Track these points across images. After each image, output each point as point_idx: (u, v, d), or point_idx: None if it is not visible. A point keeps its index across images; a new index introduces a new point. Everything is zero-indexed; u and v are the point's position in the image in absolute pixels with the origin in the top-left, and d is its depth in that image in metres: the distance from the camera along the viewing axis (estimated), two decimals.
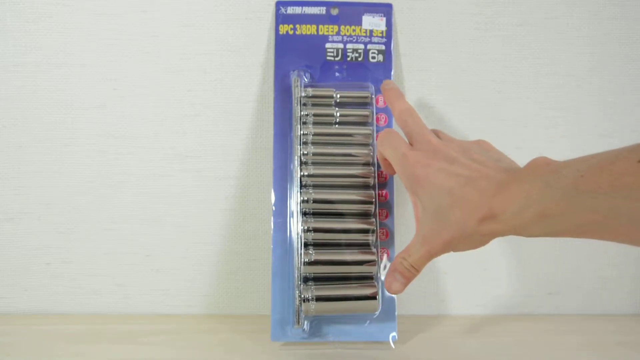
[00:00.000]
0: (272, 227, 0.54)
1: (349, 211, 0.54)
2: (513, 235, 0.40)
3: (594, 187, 0.33)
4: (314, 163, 0.54)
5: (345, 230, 0.54)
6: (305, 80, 0.57)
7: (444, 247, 0.42)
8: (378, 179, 0.55)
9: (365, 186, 0.55)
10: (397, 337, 0.54)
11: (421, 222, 0.44)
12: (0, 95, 0.59)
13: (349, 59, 0.57)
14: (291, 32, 0.57)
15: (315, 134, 0.55)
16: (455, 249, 0.43)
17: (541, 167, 0.38)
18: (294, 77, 0.56)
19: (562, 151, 0.62)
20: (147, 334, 0.56)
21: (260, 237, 0.61)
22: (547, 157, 0.39)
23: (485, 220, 0.39)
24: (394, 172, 0.49)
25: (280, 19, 0.57)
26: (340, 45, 0.57)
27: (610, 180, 0.32)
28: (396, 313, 0.54)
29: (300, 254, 0.53)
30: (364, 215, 0.54)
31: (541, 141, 0.62)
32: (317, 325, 0.53)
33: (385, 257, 0.55)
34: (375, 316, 0.54)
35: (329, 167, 0.55)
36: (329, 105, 0.56)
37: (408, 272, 0.45)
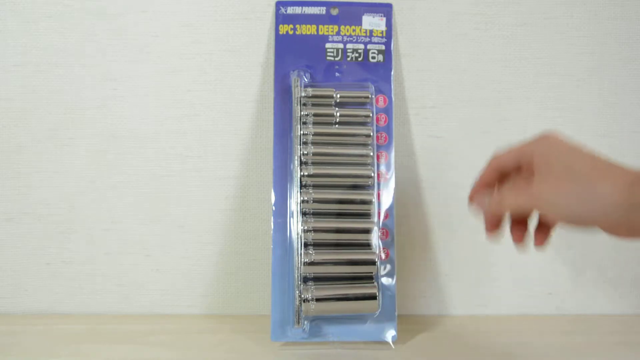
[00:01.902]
0: (272, 227, 0.54)
1: (349, 211, 0.54)
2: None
3: None
4: (314, 163, 0.54)
5: (345, 230, 0.54)
6: (305, 80, 0.57)
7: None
8: (378, 179, 0.55)
9: (365, 186, 0.55)
10: (397, 337, 0.54)
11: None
12: (0, 96, 0.59)
13: (349, 59, 0.57)
14: (291, 32, 0.57)
15: (315, 134, 0.55)
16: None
17: None
18: (294, 77, 0.56)
19: None
20: (147, 334, 0.56)
21: (260, 237, 0.61)
22: None
23: (632, 185, 0.36)
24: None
25: (280, 19, 0.57)
26: (340, 45, 0.57)
27: None
28: (396, 313, 0.54)
29: (300, 254, 0.53)
30: (364, 215, 0.54)
31: None
32: (317, 325, 0.53)
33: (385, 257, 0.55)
34: (375, 316, 0.54)
35: (329, 167, 0.55)
36: (329, 105, 0.56)
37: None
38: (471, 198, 0.46)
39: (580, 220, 0.39)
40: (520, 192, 0.41)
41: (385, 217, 0.56)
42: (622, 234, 0.38)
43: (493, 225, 0.44)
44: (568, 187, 0.39)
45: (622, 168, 0.38)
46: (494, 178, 0.45)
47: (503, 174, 0.45)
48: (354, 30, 0.57)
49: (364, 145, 0.55)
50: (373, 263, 0.53)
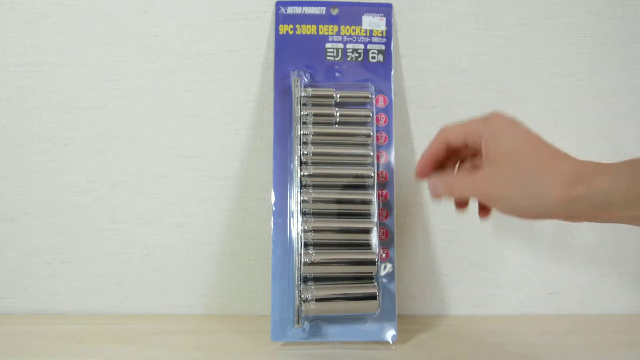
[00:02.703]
0: (272, 227, 0.54)
1: (349, 211, 0.54)
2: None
3: None
4: (314, 163, 0.54)
5: (345, 230, 0.54)
6: (305, 80, 0.57)
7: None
8: (378, 179, 0.55)
9: (365, 186, 0.55)
10: (397, 337, 0.54)
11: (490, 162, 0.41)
12: (0, 95, 0.59)
13: (349, 59, 0.57)
14: (291, 32, 0.57)
15: (315, 134, 0.55)
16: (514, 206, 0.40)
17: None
18: (294, 77, 0.56)
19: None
20: (147, 334, 0.56)
21: (260, 237, 0.61)
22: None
23: (574, 183, 0.37)
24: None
25: (280, 19, 0.57)
26: (340, 45, 0.57)
27: None
28: (396, 313, 0.54)
29: (300, 254, 0.53)
30: (364, 215, 0.54)
31: None
32: (317, 325, 0.53)
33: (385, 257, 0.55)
34: (375, 316, 0.54)
35: (329, 167, 0.55)
36: (329, 105, 0.56)
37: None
38: (418, 173, 0.47)
39: (524, 214, 0.40)
40: (468, 183, 0.42)
41: (385, 217, 0.56)
42: (562, 219, 0.40)
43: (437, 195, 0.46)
44: (513, 184, 0.40)
45: (568, 159, 0.40)
46: (441, 152, 0.46)
47: (450, 149, 0.46)
48: (354, 30, 0.57)
49: (364, 145, 0.55)
50: (373, 263, 0.53)
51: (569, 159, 0.40)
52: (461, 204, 0.48)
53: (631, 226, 0.65)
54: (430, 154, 0.46)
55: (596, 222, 0.39)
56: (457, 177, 0.44)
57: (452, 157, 0.47)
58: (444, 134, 0.45)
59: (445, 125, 0.45)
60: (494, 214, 0.62)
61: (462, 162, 0.48)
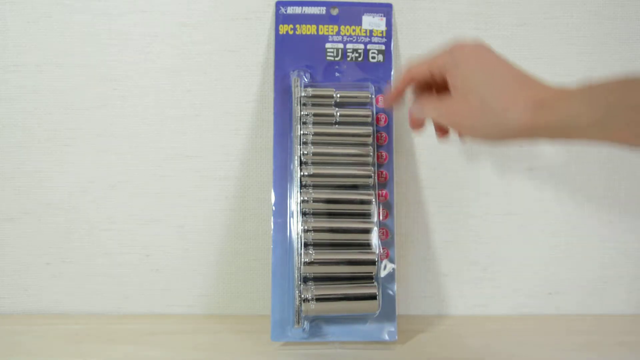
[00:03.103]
0: (272, 227, 0.54)
1: (349, 211, 0.54)
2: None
3: None
4: (314, 163, 0.54)
5: (345, 230, 0.54)
6: (305, 80, 0.57)
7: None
8: (378, 179, 0.55)
9: (365, 186, 0.55)
10: (397, 337, 0.54)
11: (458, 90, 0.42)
12: (0, 95, 0.59)
13: (349, 59, 0.57)
14: (291, 32, 0.57)
15: (315, 134, 0.55)
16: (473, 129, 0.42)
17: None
18: (294, 77, 0.56)
19: (561, 150, 0.62)
20: (147, 334, 0.56)
21: (260, 237, 0.61)
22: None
23: (538, 109, 0.38)
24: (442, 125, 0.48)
25: (280, 19, 0.57)
26: (340, 45, 0.57)
27: None
28: (396, 313, 0.54)
29: (300, 254, 0.53)
30: (364, 215, 0.54)
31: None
32: (317, 325, 0.53)
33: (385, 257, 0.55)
34: (375, 316, 0.54)
35: (329, 167, 0.55)
36: (329, 105, 0.56)
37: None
38: (385, 104, 0.50)
39: (490, 140, 0.41)
40: (437, 108, 0.44)
41: (385, 217, 0.56)
42: (525, 141, 0.40)
43: (416, 124, 0.48)
44: (478, 116, 0.40)
45: (532, 84, 0.40)
46: (406, 87, 0.48)
47: (418, 83, 0.47)
48: (354, 30, 0.57)
49: (364, 145, 0.55)
50: (373, 263, 0.53)
51: (533, 85, 0.40)
52: (442, 131, 0.49)
53: (630, 228, 0.65)
54: (398, 90, 0.48)
55: (558, 142, 0.40)
56: (429, 101, 0.45)
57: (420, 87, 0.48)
58: (409, 72, 0.46)
59: (410, 61, 0.46)
60: (492, 214, 0.62)
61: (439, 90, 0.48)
